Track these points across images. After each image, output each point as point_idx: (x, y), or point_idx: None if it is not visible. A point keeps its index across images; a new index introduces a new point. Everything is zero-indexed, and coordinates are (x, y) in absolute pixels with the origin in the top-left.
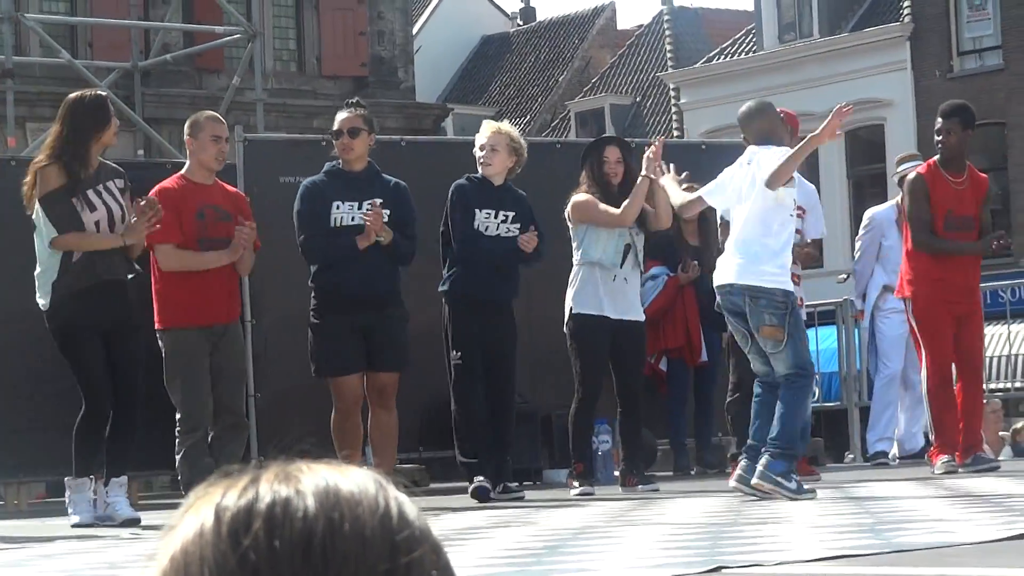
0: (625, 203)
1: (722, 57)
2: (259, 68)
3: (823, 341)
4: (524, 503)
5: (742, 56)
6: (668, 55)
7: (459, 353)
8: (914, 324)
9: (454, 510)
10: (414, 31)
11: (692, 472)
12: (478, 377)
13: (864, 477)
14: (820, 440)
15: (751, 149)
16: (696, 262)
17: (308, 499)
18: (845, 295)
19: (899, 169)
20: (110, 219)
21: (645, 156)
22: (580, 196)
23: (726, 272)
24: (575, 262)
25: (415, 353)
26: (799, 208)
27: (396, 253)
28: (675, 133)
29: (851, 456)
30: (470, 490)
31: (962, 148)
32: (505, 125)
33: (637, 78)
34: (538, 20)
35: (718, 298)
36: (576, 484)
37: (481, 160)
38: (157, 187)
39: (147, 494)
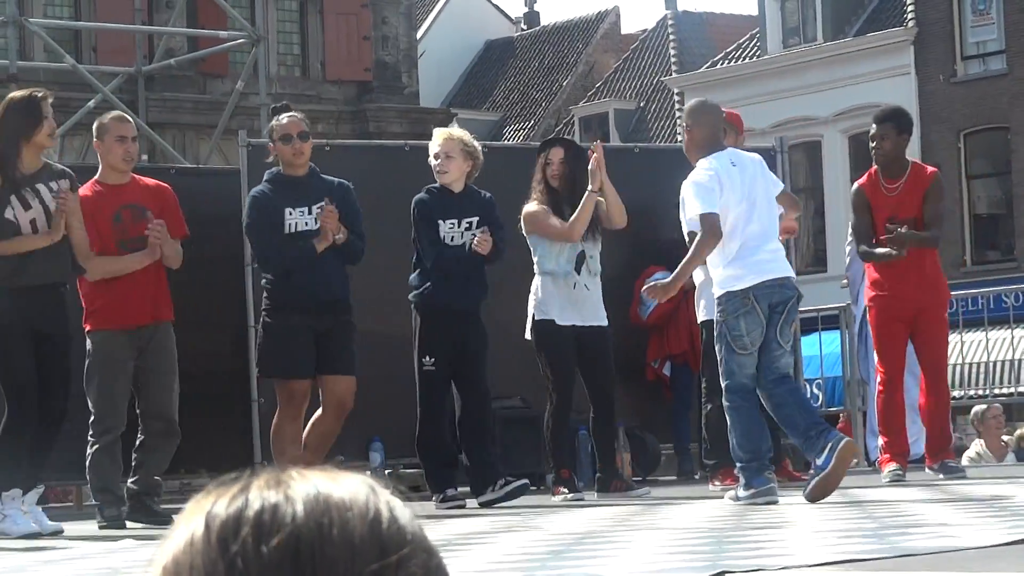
0: (572, 218)
1: (726, 62)
2: (263, 73)
3: (827, 346)
4: (527, 507)
5: (746, 61)
6: (672, 60)
7: (432, 359)
8: (869, 332)
9: (457, 516)
10: (418, 36)
11: (696, 476)
12: (447, 386)
13: (868, 482)
14: None
15: (732, 152)
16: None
17: (297, 505)
18: (848, 300)
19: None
20: (47, 217)
21: (589, 167)
22: (530, 206)
23: (779, 266)
24: (535, 271)
25: (411, 361)
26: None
27: (350, 252)
28: (679, 138)
29: (855, 461)
30: (442, 500)
31: (899, 153)
32: (456, 130)
33: (641, 83)
34: (542, 25)
35: (749, 297)
36: (564, 490)
37: (437, 168)
38: None
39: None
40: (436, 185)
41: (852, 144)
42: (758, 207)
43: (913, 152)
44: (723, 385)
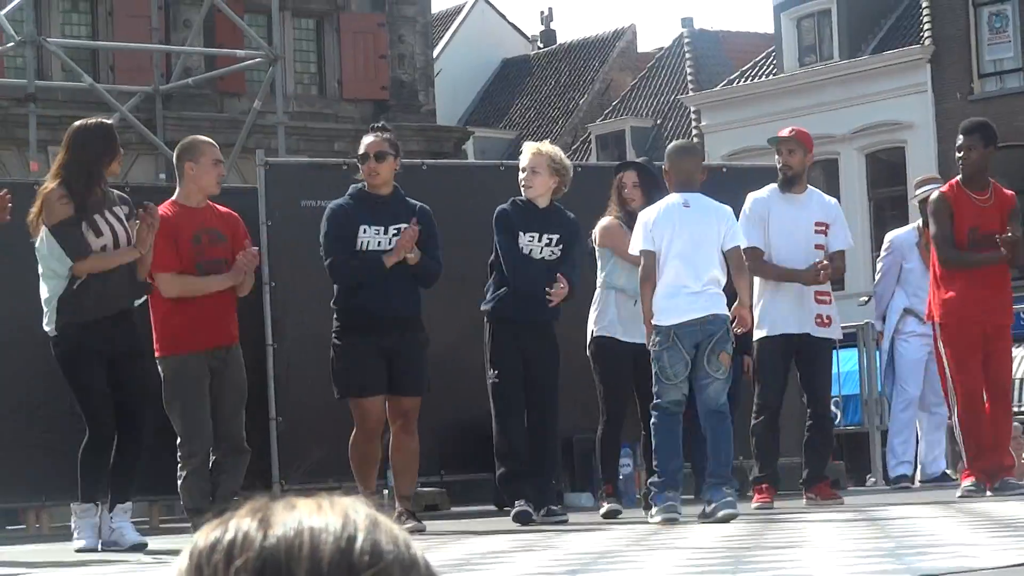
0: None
1: (742, 80)
2: (280, 91)
3: (844, 364)
4: (546, 526)
5: (762, 79)
6: (688, 78)
7: (496, 372)
8: (942, 349)
9: (476, 534)
10: (434, 54)
11: None
12: (518, 398)
13: (886, 501)
14: (842, 464)
15: (695, 196)
16: None
17: (270, 530)
18: (866, 318)
19: (918, 192)
20: (115, 243)
21: None
22: (607, 220)
23: (703, 305)
24: (598, 284)
25: (435, 378)
26: (822, 224)
27: (422, 274)
28: None
29: (873, 479)
30: (512, 514)
31: (984, 165)
32: (546, 146)
33: (658, 101)
34: (558, 43)
35: (671, 334)
36: (606, 504)
37: (523, 183)
38: None
39: (169, 517)
40: (521, 199)
41: (869, 161)
42: (698, 250)
43: (931, 169)
44: (651, 408)
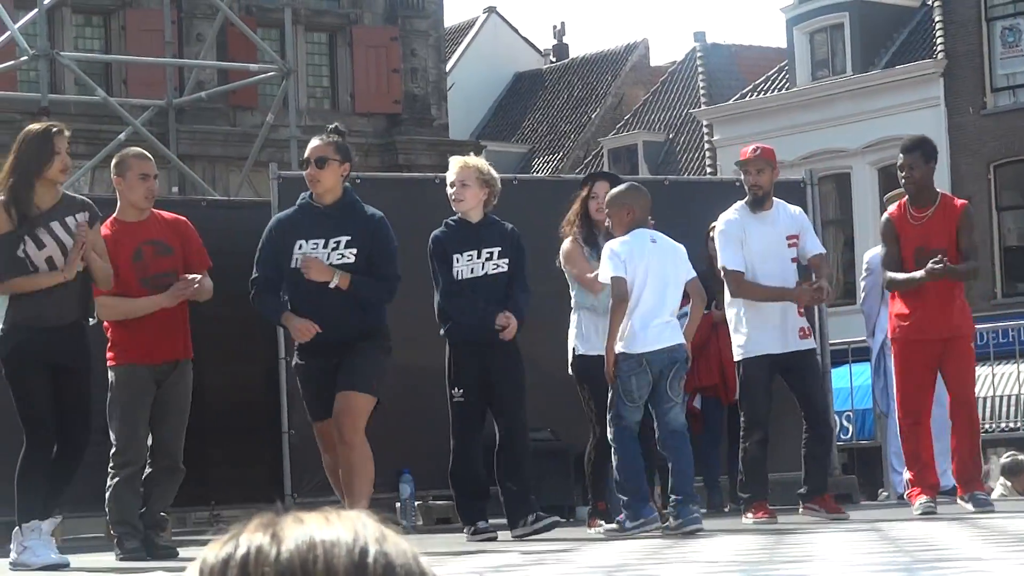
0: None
1: (755, 94)
2: (293, 105)
3: (856, 378)
4: (557, 539)
5: (775, 93)
6: (701, 92)
7: (461, 391)
8: (892, 364)
9: (489, 549)
10: (447, 68)
11: (726, 510)
12: (479, 419)
13: (898, 515)
14: (854, 478)
15: (656, 233)
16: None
17: (283, 545)
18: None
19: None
20: (63, 253)
21: None
22: (567, 244)
23: (671, 335)
24: (572, 305)
25: (443, 395)
26: (792, 237)
27: (361, 297)
28: (708, 170)
29: (885, 494)
30: (474, 533)
31: (927, 182)
32: (472, 158)
33: (670, 115)
34: (571, 57)
35: (643, 361)
36: (601, 523)
37: (453, 197)
38: None
39: (181, 529)
40: (455, 218)
41: (882, 176)
42: (667, 285)
43: (943, 184)
44: (612, 427)
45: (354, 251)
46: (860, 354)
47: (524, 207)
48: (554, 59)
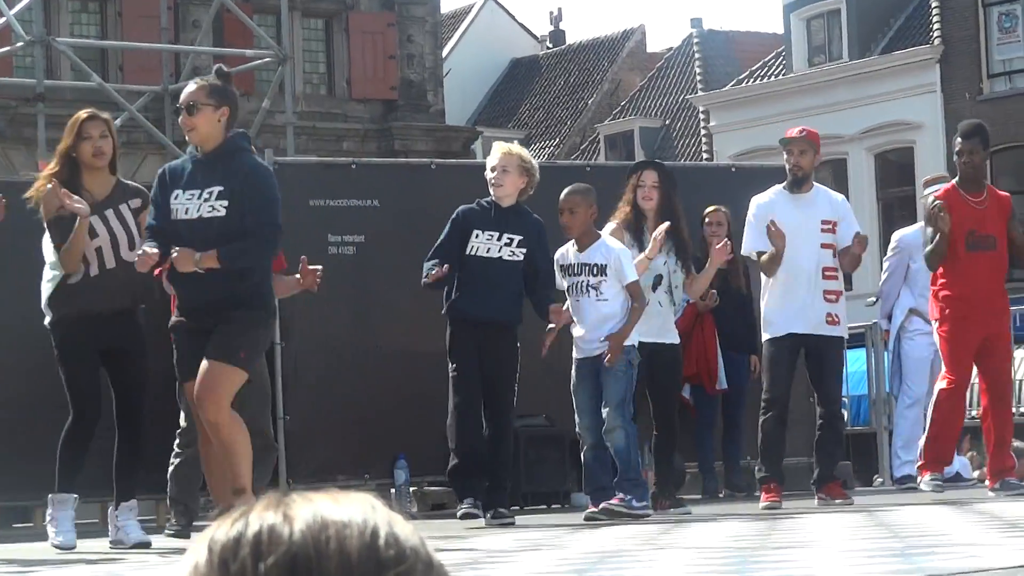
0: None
1: (752, 80)
2: (289, 91)
3: (852, 364)
4: (553, 525)
5: (772, 79)
6: (698, 78)
7: (454, 365)
8: (938, 344)
9: (485, 532)
10: (444, 54)
11: (721, 495)
12: (476, 394)
13: (893, 501)
14: (849, 464)
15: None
16: (715, 291)
17: (295, 524)
18: (874, 318)
19: (926, 192)
20: (114, 245)
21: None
22: (611, 227)
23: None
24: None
25: (439, 379)
26: (829, 222)
27: (236, 265)
28: (704, 156)
29: (880, 480)
30: (459, 514)
31: (984, 168)
32: (516, 147)
33: (666, 101)
34: (568, 43)
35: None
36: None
37: (492, 181)
38: None
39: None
40: (488, 199)
41: (878, 162)
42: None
43: (940, 169)
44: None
45: (224, 203)
46: (855, 340)
47: None
48: (551, 45)
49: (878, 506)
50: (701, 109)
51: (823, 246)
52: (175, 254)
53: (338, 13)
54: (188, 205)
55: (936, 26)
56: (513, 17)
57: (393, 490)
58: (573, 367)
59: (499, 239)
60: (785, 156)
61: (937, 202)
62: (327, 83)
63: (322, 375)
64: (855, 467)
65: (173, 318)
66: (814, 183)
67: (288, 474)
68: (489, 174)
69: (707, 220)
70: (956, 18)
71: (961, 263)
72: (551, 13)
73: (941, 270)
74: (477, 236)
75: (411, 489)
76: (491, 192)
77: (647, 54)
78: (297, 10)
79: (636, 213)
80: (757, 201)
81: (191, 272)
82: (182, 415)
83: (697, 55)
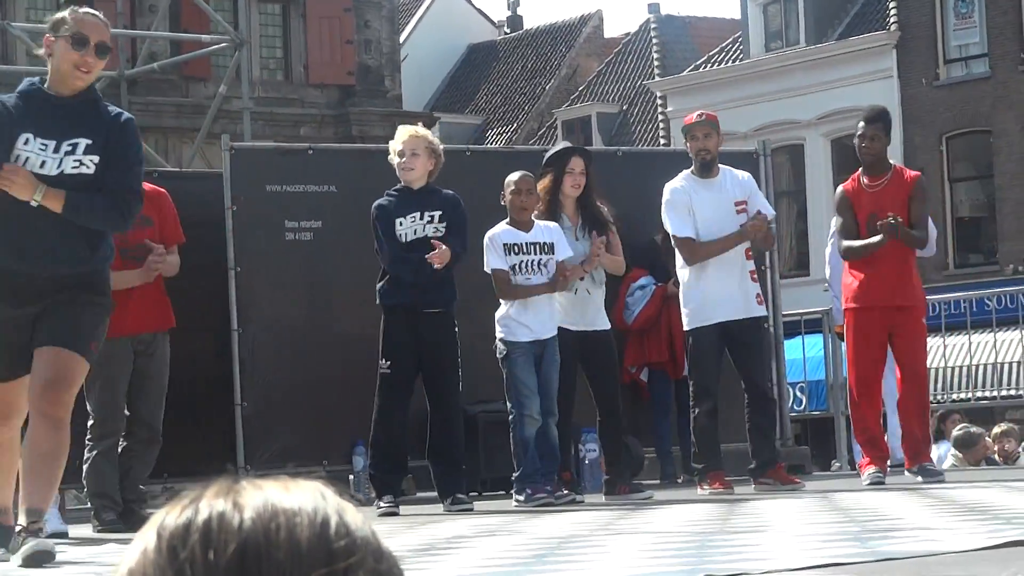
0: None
1: (709, 65)
2: (246, 76)
3: (809, 349)
4: (508, 512)
5: (729, 64)
6: (655, 63)
7: (388, 362)
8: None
9: (441, 519)
10: (401, 39)
11: (679, 480)
12: (406, 391)
13: (850, 486)
14: (807, 449)
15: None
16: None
17: (245, 512)
18: (830, 304)
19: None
20: None
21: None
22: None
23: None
24: None
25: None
26: (740, 203)
27: (81, 219)
28: (662, 141)
29: (837, 464)
30: (378, 513)
31: (884, 153)
32: (421, 129)
33: (624, 86)
34: (525, 28)
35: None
36: (564, 491)
37: (403, 166)
38: None
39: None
40: (397, 187)
41: (835, 147)
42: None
43: (896, 155)
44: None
45: (95, 159)
46: (813, 325)
47: (477, 179)
48: (508, 30)
49: (835, 491)
50: (658, 94)
51: (741, 226)
52: (6, 172)
53: None
54: (45, 158)
55: (893, 12)
56: (470, 2)
57: (351, 476)
58: (511, 352)
59: (421, 218)
60: (689, 143)
61: (892, 222)
62: (284, 68)
63: (279, 361)
64: (813, 452)
65: None
66: (719, 165)
67: (245, 461)
68: (396, 159)
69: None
70: (912, 4)
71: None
72: None
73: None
74: (401, 224)
75: (370, 475)
76: (400, 177)
77: (604, 39)
78: None
79: (553, 202)
80: (671, 186)
81: (32, 232)
82: (90, 407)
83: (655, 40)
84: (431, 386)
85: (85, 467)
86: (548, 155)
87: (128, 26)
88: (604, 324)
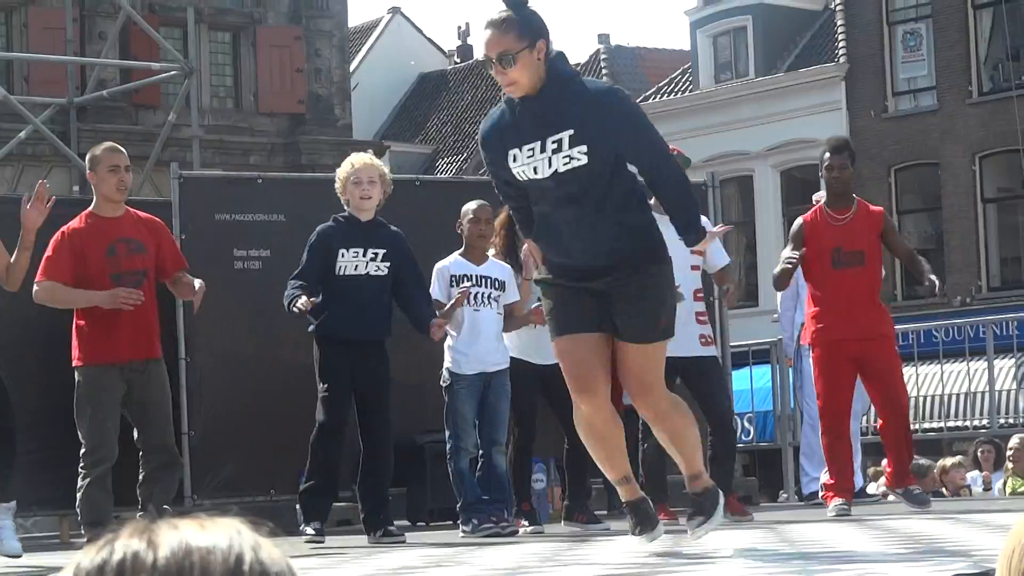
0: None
1: (658, 96)
2: (195, 105)
3: (758, 380)
4: (456, 544)
5: (678, 95)
6: None
7: (326, 386)
8: (812, 369)
9: (389, 549)
10: (351, 68)
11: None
12: (344, 415)
13: (798, 517)
14: (755, 480)
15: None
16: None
17: (160, 551)
18: (779, 335)
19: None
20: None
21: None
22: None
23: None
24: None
25: None
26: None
27: None
28: None
29: (785, 495)
30: (304, 539)
31: (851, 184)
32: (373, 157)
33: None
34: (475, 58)
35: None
36: (525, 523)
37: (362, 194)
38: (63, 228)
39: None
40: (344, 215)
41: (784, 179)
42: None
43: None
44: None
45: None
46: (761, 356)
47: (427, 208)
48: (458, 60)
49: (783, 522)
50: None
51: (693, 268)
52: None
53: (245, 26)
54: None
55: (842, 44)
56: (420, 31)
57: (298, 506)
58: (454, 383)
59: (364, 255)
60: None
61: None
62: (234, 96)
63: (227, 390)
64: (761, 483)
65: None
66: None
67: (192, 490)
68: (353, 188)
69: None
70: (861, 36)
71: (829, 281)
72: (459, 28)
73: (811, 291)
74: (343, 256)
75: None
76: (355, 206)
77: None
78: (204, 23)
79: (510, 235)
80: None
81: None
82: (82, 435)
83: (604, 70)
84: (362, 417)
85: (78, 496)
86: None
87: (77, 53)
88: None
